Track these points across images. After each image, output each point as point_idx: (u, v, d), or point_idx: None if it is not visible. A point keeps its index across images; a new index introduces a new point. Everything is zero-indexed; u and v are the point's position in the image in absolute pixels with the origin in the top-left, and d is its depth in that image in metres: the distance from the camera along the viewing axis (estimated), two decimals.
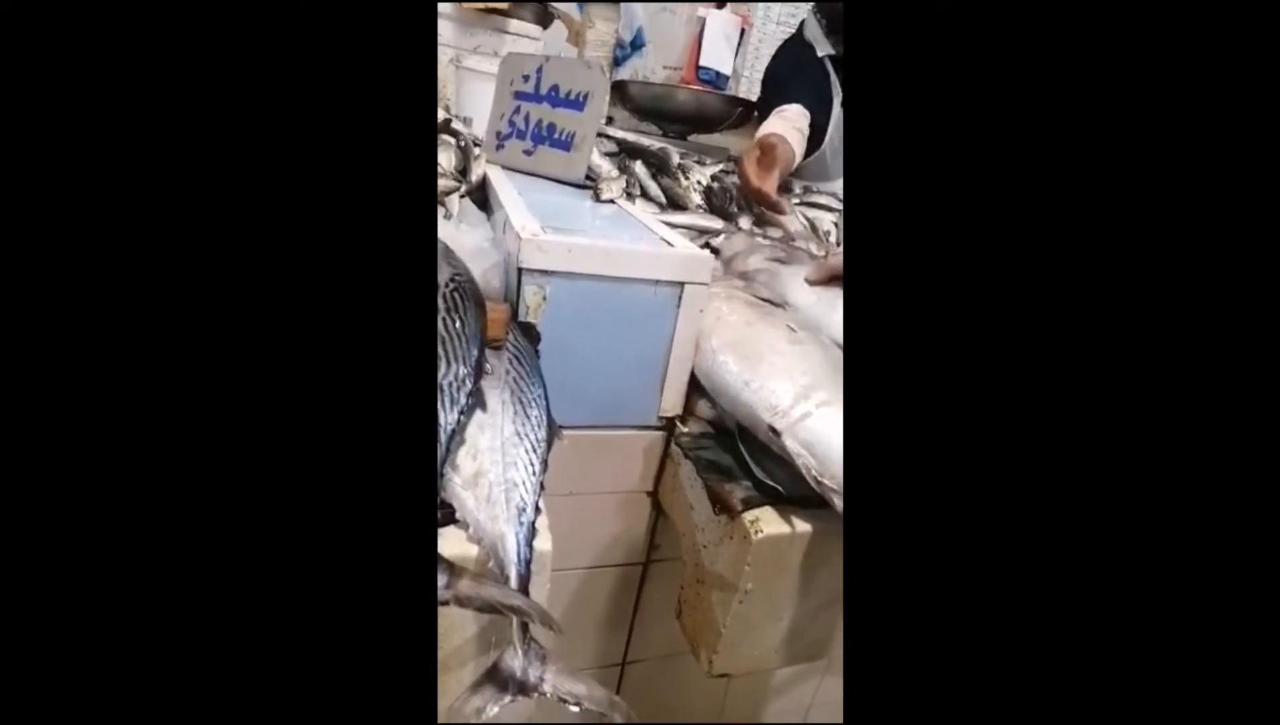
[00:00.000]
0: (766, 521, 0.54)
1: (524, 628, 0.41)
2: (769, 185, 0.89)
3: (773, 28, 1.70)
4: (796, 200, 1.02)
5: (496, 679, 0.40)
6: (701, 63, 1.62)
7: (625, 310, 0.59)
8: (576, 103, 0.78)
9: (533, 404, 0.48)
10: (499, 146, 0.84)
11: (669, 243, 0.63)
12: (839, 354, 0.61)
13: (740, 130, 1.36)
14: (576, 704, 0.41)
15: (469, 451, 0.43)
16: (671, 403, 0.65)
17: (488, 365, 0.48)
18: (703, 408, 0.66)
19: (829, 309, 0.70)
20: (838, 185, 1.13)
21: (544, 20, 1.30)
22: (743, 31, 1.66)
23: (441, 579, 0.37)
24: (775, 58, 1.22)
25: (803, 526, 0.55)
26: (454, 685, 0.42)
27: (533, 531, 0.43)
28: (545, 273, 0.55)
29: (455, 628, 0.42)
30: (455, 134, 0.83)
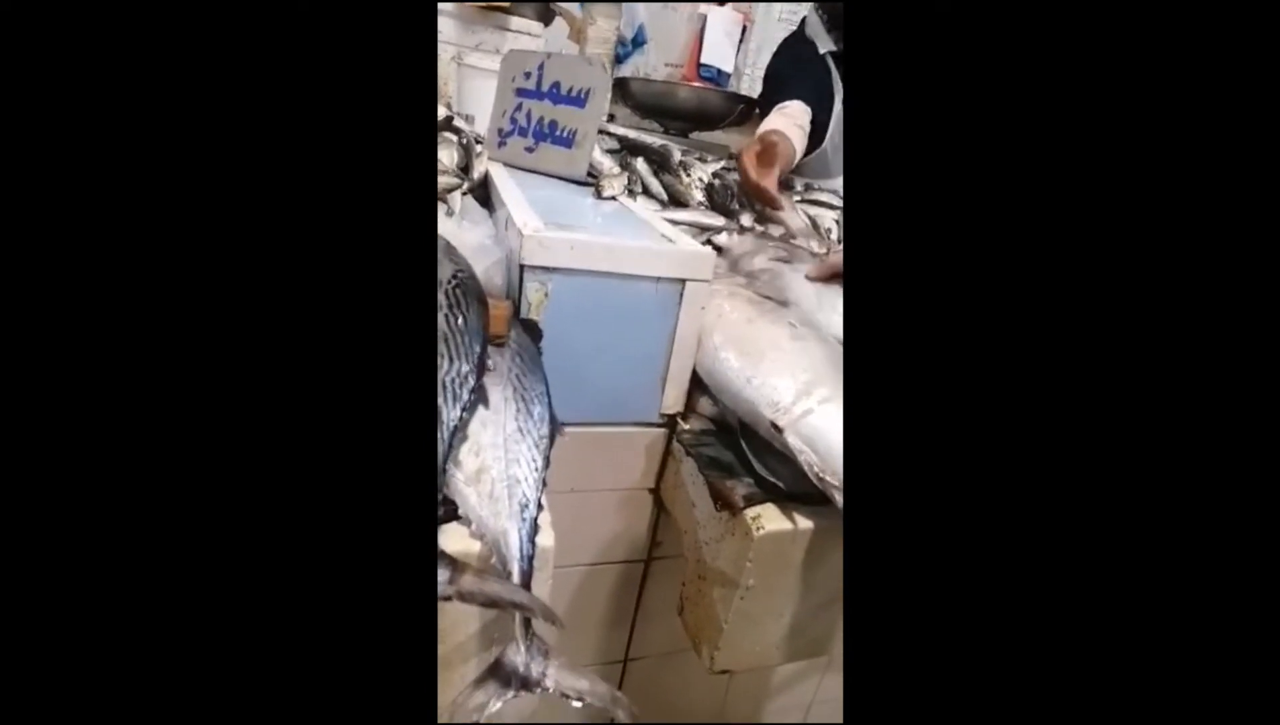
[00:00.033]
0: (768, 518, 0.55)
1: (526, 623, 0.41)
2: (769, 181, 0.89)
3: (774, 24, 1.70)
4: (798, 197, 1.02)
5: (499, 675, 0.40)
6: (703, 60, 1.62)
7: (627, 307, 0.59)
8: (578, 100, 0.78)
9: (535, 401, 0.48)
10: (501, 144, 0.84)
11: (670, 240, 0.63)
12: (840, 351, 0.61)
13: (742, 127, 1.36)
14: (579, 699, 0.41)
15: (471, 448, 0.43)
16: (673, 400, 0.65)
17: (490, 362, 0.48)
18: (704, 405, 0.66)
19: (830, 306, 0.70)
20: (839, 182, 1.12)
21: (545, 17, 1.29)
22: (744, 29, 1.65)
23: (445, 575, 0.37)
24: (777, 54, 1.22)
25: (804, 523, 0.55)
26: (457, 681, 0.42)
27: (535, 528, 0.43)
28: (547, 269, 0.55)
29: (458, 624, 0.43)
30: (457, 131, 0.83)
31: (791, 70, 1.13)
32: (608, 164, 0.86)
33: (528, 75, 0.81)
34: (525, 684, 0.40)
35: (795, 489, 0.55)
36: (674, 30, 1.63)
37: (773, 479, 0.56)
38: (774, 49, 1.25)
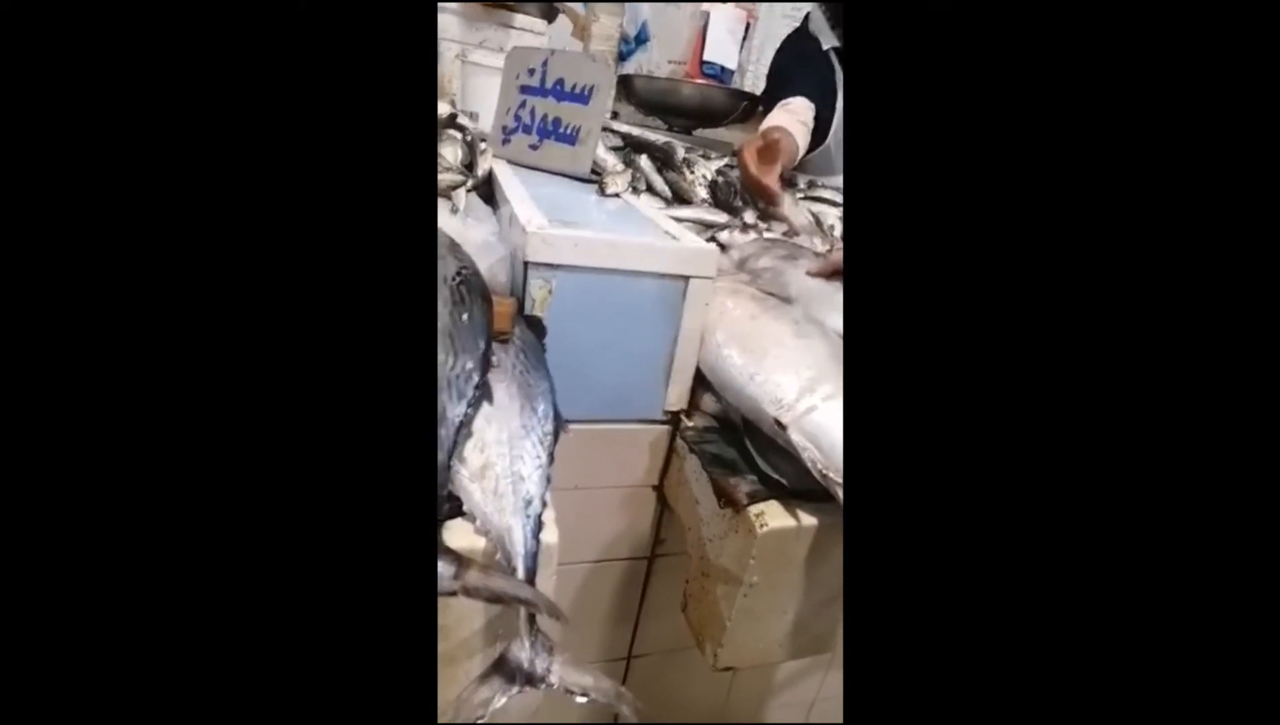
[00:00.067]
0: (772, 515, 0.55)
1: (531, 619, 0.41)
2: (769, 177, 0.89)
3: (777, 21, 1.69)
4: (801, 195, 1.02)
5: (504, 670, 0.40)
6: (706, 57, 1.62)
7: (630, 304, 0.59)
8: (581, 96, 0.78)
9: (539, 397, 0.49)
10: (505, 141, 0.84)
11: (674, 236, 0.63)
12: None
13: (745, 125, 1.35)
14: (584, 695, 0.41)
15: (476, 444, 0.43)
16: (676, 397, 0.65)
17: (494, 358, 0.48)
18: (708, 402, 0.66)
19: (833, 303, 0.70)
20: (842, 179, 1.12)
21: (549, 15, 1.29)
22: (747, 25, 1.65)
23: (450, 570, 0.37)
24: (780, 51, 1.22)
25: (808, 520, 0.55)
26: (461, 677, 0.42)
27: (539, 524, 0.43)
28: (551, 266, 0.55)
29: (463, 620, 0.43)
30: (461, 129, 0.83)
31: (795, 66, 1.13)
32: (611, 161, 0.86)
33: (531, 72, 0.81)
34: (530, 680, 0.40)
35: (799, 486, 0.55)
36: (677, 27, 1.63)
37: (776, 476, 0.56)
38: (777, 46, 1.25)
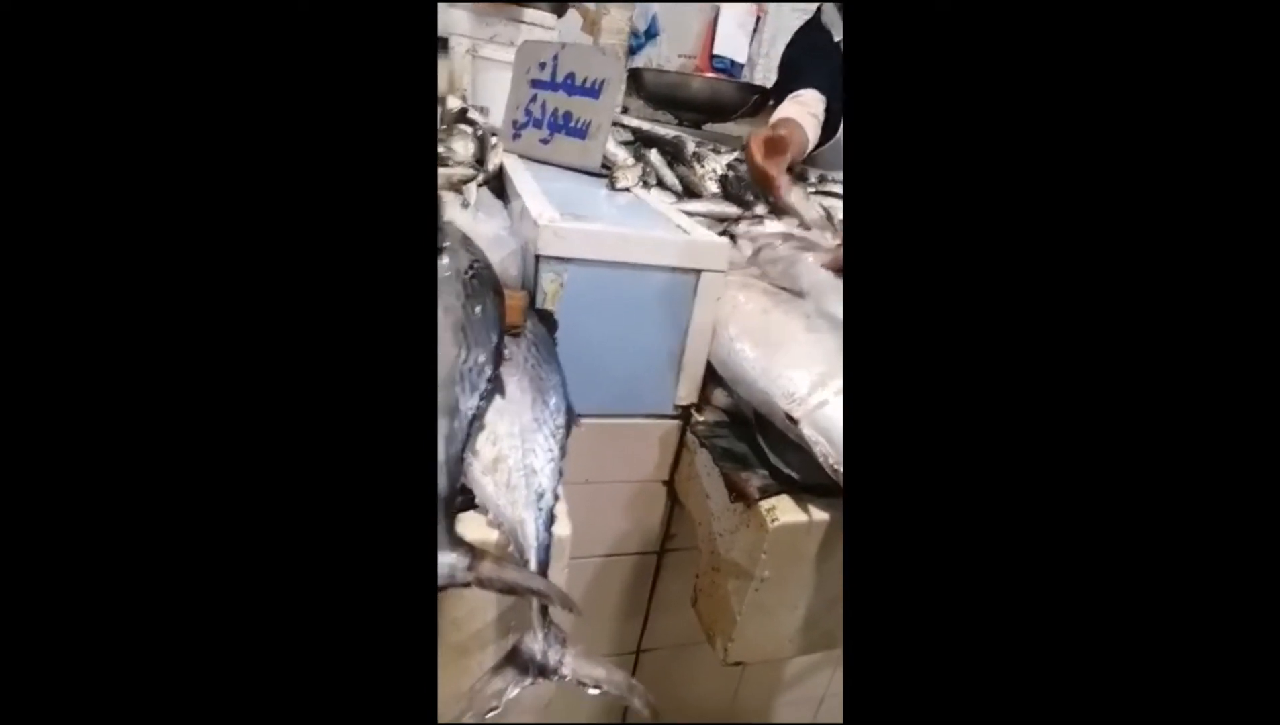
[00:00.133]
0: (783, 510, 0.54)
1: (544, 611, 0.41)
2: (775, 168, 0.88)
3: (788, 14, 1.68)
4: (812, 189, 1.01)
5: (517, 661, 0.40)
6: (715, 51, 1.61)
7: (642, 297, 0.59)
8: (592, 90, 0.78)
9: (551, 391, 0.49)
10: (515, 135, 0.84)
11: (685, 230, 0.62)
12: None
13: (755, 118, 1.35)
14: (596, 688, 0.41)
15: (489, 437, 0.44)
16: (687, 391, 0.65)
17: (506, 351, 0.48)
18: (719, 396, 0.66)
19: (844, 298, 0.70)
20: None
21: (559, 9, 1.29)
22: (757, 19, 1.64)
23: (464, 561, 0.37)
24: (792, 43, 1.21)
25: (819, 515, 0.55)
26: (475, 668, 0.42)
27: (551, 517, 0.43)
28: (562, 260, 0.55)
29: (475, 612, 0.43)
30: (472, 123, 0.83)
31: (806, 59, 1.12)
32: (622, 155, 0.86)
33: (542, 66, 0.81)
34: (543, 671, 0.40)
35: (810, 480, 0.55)
36: (687, 21, 1.62)
37: (788, 470, 0.56)
38: (787, 39, 1.24)
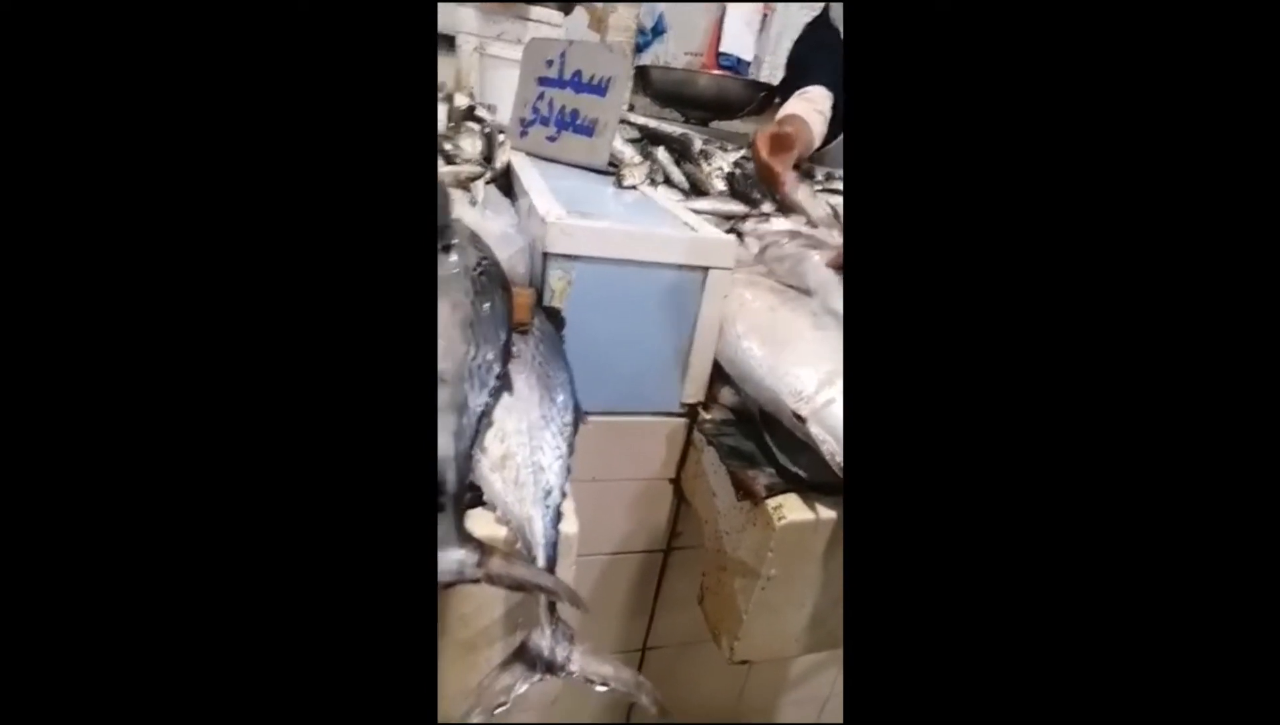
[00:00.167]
0: (790, 508, 0.54)
1: (551, 607, 0.41)
2: (781, 164, 0.88)
3: (795, 11, 1.67)
4: (819, 186, 1.01)
5: (525, 658, 0.40)
6: (722, 49, 1.60)
7: (649, 295, 0.59)
8: (599, 88, 0.78)
9: (558, 388, 0.49)
10: (523, 133, 0.84)
11: (692, 228, 0.62)
12: None
13: (761, 116, 1.34)
14: (603, 684, 0.42)
15: (497, 434, 0.44)
16: (694, 389, 0.65)
17: (514, 349, 0.48)
18: (725, 394, 0.66)
19: None
20: None
21: (566, 7, 1.29)
22: (764, 17, 1.63)
23: (473, 557, 0.38)
24: (799, 40, 1.21)
25: (826, 513, 0.55)
26: (483, 664, 0.42)
27: (559, 514, 0.43)
28: (570, 257, 0.55)
29: (483, 608, 0.43)
30: (480, 120, 0.83)
31: (814, 56, 1.12)
32: (629, 153, 0.86)
33: (549, 64, 0.81)
34: (550, 668, 0.41)
35: (817, 479, 0.55)
36: (693, 19, 1.61)
37: (794, 469, 0.56)
38: (795, 36, 1.23)
